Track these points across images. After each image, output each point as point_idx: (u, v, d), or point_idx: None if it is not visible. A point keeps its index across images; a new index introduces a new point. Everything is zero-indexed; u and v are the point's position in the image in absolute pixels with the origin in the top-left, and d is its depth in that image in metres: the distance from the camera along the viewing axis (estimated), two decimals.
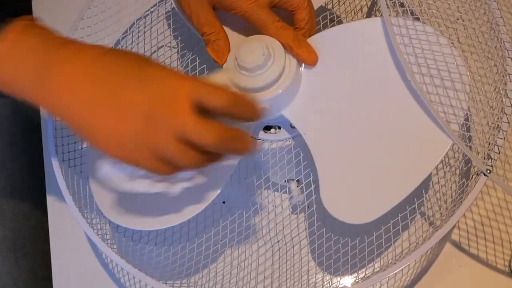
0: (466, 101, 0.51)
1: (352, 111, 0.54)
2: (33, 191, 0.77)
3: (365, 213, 0.51)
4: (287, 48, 0.54)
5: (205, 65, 0.62)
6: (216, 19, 0.56)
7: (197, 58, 0.63)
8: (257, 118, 0.49)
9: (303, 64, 0.56)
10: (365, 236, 0.54)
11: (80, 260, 0.68)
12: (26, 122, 0.79)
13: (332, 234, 0.56)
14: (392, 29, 0.53)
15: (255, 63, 0.53)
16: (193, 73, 0.62)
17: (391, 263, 0.52)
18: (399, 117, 0.52)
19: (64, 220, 0.70)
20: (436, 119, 0.50)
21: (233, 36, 0.58)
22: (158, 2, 0.69)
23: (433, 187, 0.60)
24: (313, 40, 0.56)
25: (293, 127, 0.58)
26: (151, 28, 0.69)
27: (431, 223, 0.59)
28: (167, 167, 0.46)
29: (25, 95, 0.46)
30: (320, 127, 0.54)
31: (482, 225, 0.59)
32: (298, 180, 0.61)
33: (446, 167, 0.60)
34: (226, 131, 0.46)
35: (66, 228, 0.69)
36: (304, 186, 0.57)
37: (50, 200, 0.71)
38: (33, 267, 0.74)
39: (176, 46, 0.67)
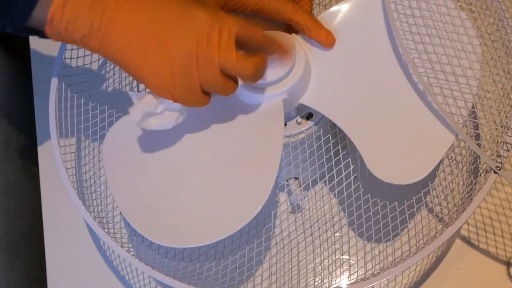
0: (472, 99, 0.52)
1: (364, 83, 0.55)
2: (27, 193, 0.76)
3: (415, 170, 0.51)
4: (304, 30, 0.55)
5: None
6: None
7: None
8: (285, 55, 0.53)
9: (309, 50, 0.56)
10: (369, 233, 0.54)
11: (75, 262, 0.67)
12: (20, 122, 0.78)
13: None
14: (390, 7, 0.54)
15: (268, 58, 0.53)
16: None
17: (400, 260, 0.52)
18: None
19: (58, 221, 0.69)
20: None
21: None
22: None
23: (440, 184, 0.60)
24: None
25: (299, 123, 0.57)
26: None
27: (440, 220, 0.58)
28: (208, 98, 0.50)
29: (83, 43, 0.48)
30: (340, 104, 0.54)
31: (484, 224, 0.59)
32: (297, 179, 0.61)
33: (453, 163, 0.60)
34: (261, 61, 0.50)
35: (61, 229, 0.69)
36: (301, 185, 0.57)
37: (45, 202, 0.71)
38: (27, 268, 0.73)
39: None
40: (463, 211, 0.50)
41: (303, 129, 0.57)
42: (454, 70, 0.52)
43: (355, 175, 0.55)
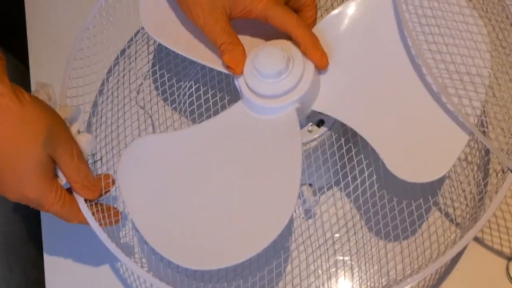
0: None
1: (375, 84, 0.54)
2: None
3: (435, 167, 0.50)
4: (301, 46, 0.54)
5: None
6: (232, 29, 0.55)
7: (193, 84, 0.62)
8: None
9: None
10: (385, 241, 0.54)
11: (73, 264, 0.67)
12: None
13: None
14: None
15: (278, 68, 0.53)
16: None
17: (424, 264, 0.51)
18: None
19: (57, 223, 0.65)
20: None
21: (245, 43, 0.57)
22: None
23: (453, 185, 0.60)
24: (323, 23, 0.56)
25: (310, 131, 0.57)
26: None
27: (457, 224, 0.58)
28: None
29: None
30: (353, 107, 0.54)
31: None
32: (310, 184, 0.60)
33: (464, 163, 0.60)
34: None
35: (59, 231, 0.68)
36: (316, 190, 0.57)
37: None
38: (25, 270, 0.73)
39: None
40: (483, 213, 0.50)
41: (315, 136, 0.56)
42: (469, 70, 0.52)
43: (371, 179, 0.54)
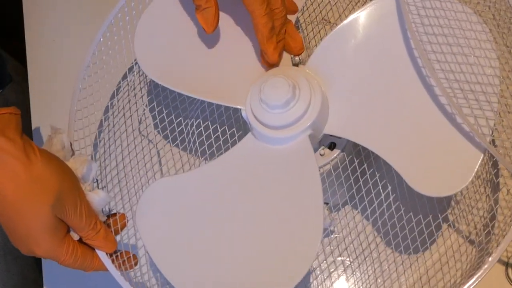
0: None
1: (384, 99, 0.53)
2: None
3: (454, 181, 0.50)
4: (258, 35, 0.55)
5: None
6: None
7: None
8: None
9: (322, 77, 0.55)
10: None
11: None
12: None
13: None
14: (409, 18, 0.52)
15: (285, 98, 0.51)
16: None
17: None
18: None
19: None
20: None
21: (248, 69, 0.56)
22: None
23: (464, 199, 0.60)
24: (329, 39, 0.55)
25: (322, 155, 0.56)
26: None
27: (471, 241, 0.57)
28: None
29: None
30: (365, 126, 0.53)
31: None
32: (326, 203, 0.59)
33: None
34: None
35: None
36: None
37: None
38: (23, 270, 0.73)
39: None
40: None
41: (328, 160, 0.56)
42: (484, 89, 0.51)
43: (388, 200, 0.54)
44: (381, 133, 0.53)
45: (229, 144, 0.57)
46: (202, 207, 0.54)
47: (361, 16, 0.55)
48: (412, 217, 0.54)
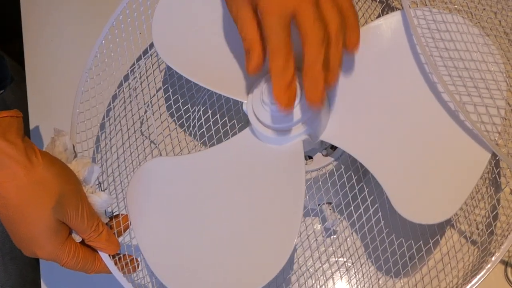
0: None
1: (385, 114, 0.53)
2: None
3: (443, 208, 0.49)
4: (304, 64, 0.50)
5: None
6: (252, 23, 0.50)
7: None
8: None
9: None
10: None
11: None
12: None
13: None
14: (417, 32, 0.52)
15: None
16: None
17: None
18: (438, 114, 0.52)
19: None
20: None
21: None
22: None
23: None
24: None
25: (325, 155, 0.56)
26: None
27: (473, 242, 0.57)
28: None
29: None
30: (361, 139, 0.53)
31: None
32: (329, 203, 0.60)
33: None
34: None
35: None
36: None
37: None
38: (21, 271, 0.73)
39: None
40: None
41: (330, 161, 0.56)
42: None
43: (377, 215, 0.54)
44: (376, 149, 0.52)
45: (230, 135, 0.58)
46: (190, 192, 0.55)
47: (364, 30, 0.55)
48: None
